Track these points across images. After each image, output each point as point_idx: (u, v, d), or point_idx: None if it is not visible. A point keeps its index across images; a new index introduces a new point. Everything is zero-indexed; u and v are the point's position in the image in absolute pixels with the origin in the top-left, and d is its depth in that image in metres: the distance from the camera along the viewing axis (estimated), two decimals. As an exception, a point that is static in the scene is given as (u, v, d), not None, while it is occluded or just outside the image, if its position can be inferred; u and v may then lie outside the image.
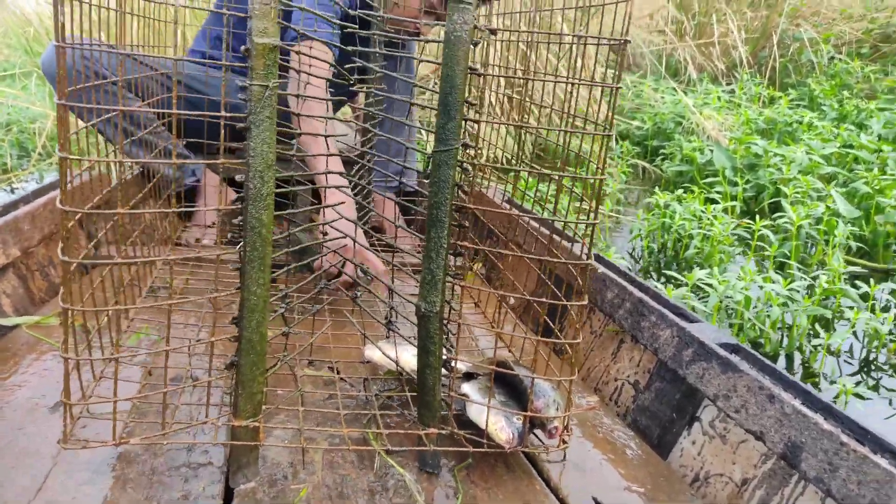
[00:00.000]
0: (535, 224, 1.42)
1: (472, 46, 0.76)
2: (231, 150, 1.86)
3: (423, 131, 3.18)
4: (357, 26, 1.00)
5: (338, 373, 1.07)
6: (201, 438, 0.86)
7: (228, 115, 0.72)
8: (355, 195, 1.24)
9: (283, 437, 0.89)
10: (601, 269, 1.22)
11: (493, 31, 0.76)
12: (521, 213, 1.41)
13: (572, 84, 0.78)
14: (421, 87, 0.94)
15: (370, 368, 1.08)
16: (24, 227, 1.22)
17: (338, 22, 0.87)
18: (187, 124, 1.67)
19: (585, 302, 0.78)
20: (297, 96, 0.87)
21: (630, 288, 1.14)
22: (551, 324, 0.99)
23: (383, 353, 0.97)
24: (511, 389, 0.90)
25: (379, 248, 1.76)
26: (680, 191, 2.57)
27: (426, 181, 1.99)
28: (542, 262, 1.38)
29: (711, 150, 3.05)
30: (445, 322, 0.83)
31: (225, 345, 1.12)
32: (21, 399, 0.92)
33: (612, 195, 2.80)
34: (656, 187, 2.95)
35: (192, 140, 1.40)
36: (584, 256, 0.80)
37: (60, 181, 0.67)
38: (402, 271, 1.21)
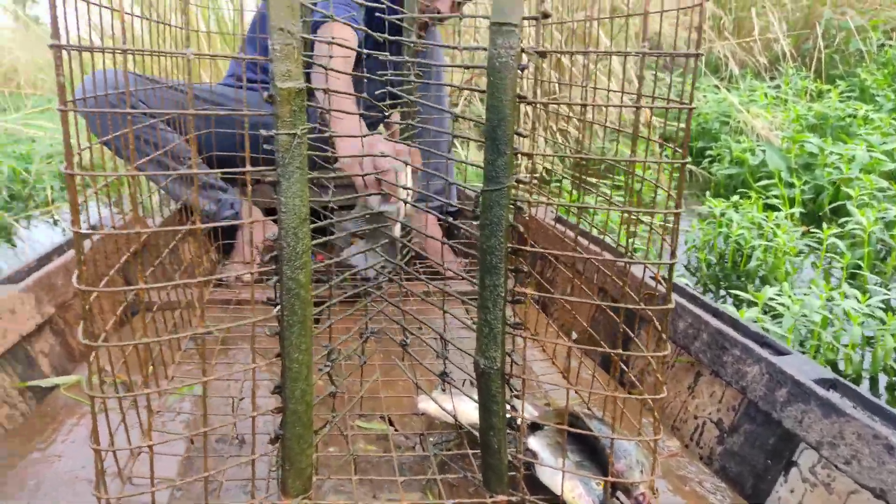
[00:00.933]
0: (594, 246, 1.32)
1: (519, 72, 0.68)
2: (268, 181, 1.82)
3: (459, 147, 3.09)
4: (382, 35, 0.93)
5: (391, 423, 0.99)
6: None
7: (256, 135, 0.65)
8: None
9: None
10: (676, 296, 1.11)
11: (543, 54, 0.67)
12: (569, 237, 1.32)
13: (636, 102, 0.69)
14: (455, 115, 0.85)
15: (425, 419, 1.00)
16: (57, 281, 1.18)
17: (362, 28, 0.80)
18: (220, 154, 1.63)
19: (668, 352, 0.68)
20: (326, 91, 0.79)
21: (706, 317, 1.03)
22: (625, 367, 0.90)
23: (439, 406, 0.89)
24: (586, 444, 0.81)
25: (423, 274, 1.69)
26: (735, 197, 2.41)
27: (469, 203, 1.92)
28: (608, 294, 1.28)
29: (763, 151, 2.88)
30: (508, 377, 0.74)
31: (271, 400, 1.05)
32: (60, 471, 0.87)
33: (661, 203, 2.66)
34: (706, 192, 2.81)
35: (228, 173, 1.34)
36: (654, 293, 0.70)
37: (70, 200, 0.59)
38: (454, 298, 1.13)
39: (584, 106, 0.71)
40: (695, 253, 2.29)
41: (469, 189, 2.02)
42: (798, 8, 4.87)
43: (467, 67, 0.72)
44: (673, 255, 0.65)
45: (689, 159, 0.62)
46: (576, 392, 1.01)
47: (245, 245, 1.71)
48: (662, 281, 0.71)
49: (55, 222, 3.04)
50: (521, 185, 0.71)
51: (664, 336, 0.70)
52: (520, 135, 0.69)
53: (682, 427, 1.06)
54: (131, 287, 0.61)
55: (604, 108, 2.73)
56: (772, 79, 4.58)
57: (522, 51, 0.66)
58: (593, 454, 0.79)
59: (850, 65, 4.58)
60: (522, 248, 0.71)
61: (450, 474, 0.86)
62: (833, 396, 0.82)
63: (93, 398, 0.63)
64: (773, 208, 2.50)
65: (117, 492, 0.79)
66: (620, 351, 0.69)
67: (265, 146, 0.65)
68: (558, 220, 1.54)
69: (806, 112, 3.39)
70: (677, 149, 0.67)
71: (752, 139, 3.12)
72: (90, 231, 0.59)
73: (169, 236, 1.42)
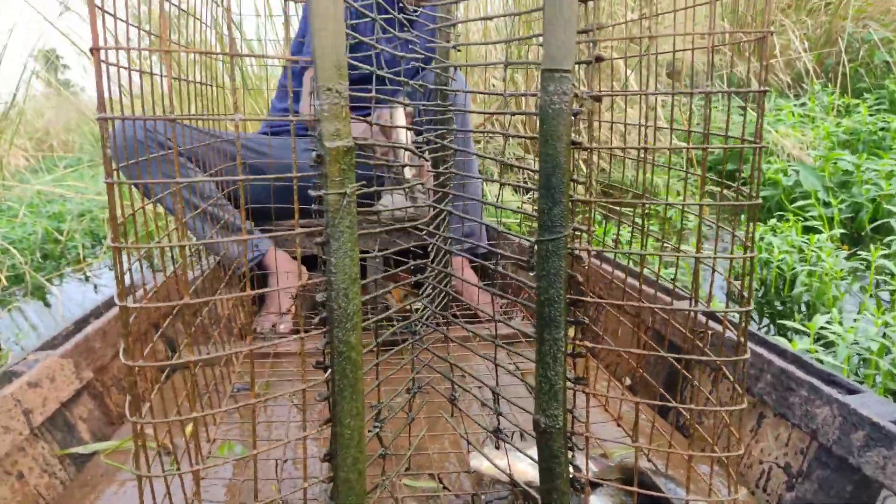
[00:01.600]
0: (647, 288, 1.28)
1: (572, 117, 0.65)
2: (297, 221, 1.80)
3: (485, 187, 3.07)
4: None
5: (440, 481, 0.95)
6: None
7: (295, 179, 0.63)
8: (433, 261, 1.14)
9: None
10: (728, 333, 1.06)
11: (597, 98, 0.65)
12: (617, 278, 1.28)
13: (705, 147, 0.66)
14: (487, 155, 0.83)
15: (475, 477, 0.96)
16: (95, 345, 1.17)
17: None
18: (250, 194, 1.62)
19: (745, 406, 0.64)
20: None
21: (768, 355, 0.98)
22: (686, 414, 0.85)
23: (493, 464, 0.85)
24: (647, 500, 0.76)
25: (462, 318, 1.65)
26: (773, 220, 2.35)
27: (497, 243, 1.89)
28: (660, 334, 1.23)
29: (797, 171, 2.82)
30: (569, 435, 0.70)
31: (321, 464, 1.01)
32: None
33: (694, 229, 2.61)
34: (741, 215, 2.75)
35: (254, 209, 1.33)
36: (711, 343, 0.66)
37: (116, 274, 0.57)
38: (495, 343, 1.09)
39: (646, 149, 0.68)
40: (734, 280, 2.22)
41: (502, 230, 1.99)
42: (818, 24, 4.83)
43: (517, 114, 0.70)
44: (749, 301, 0.61)
45: (759, 201, 0.59)
46: (645, 455, 0.96)
47: (277, 295, 1.69)
48: (732, 327, 0.67)
49: (86, 278, 3.07)
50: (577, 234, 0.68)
51: (740, 389, 0.65)
52: (575, 182, 0.66)
53: (747, 473, 1.00)
54: (181, 361, 0.58)
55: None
56: (796, 96, 4.52)
57: (576, 96, 0.64)
58: (663, 515, 0.74)
59: (876, 77, 4.50)
60: (583, 298, 0.67)
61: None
62: None
63: (140, 478, 0.60)
64: (813, 230, 2.43)
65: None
66: (692, 406, 0.65)
67: (308, 195, 0.63)
68: (598, 256, 1.50)
69: (836, 128, 3.33)
70: (740, 188, 0.64)
71: (783, 159, 3.07)
72: (136, 305, 0.57)
73: (207, 292, 1.40)
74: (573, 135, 0.65)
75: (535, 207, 0.65)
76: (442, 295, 1.15)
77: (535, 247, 0.67)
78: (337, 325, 0.64)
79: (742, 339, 0.64)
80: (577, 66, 0.65)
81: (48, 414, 0.99)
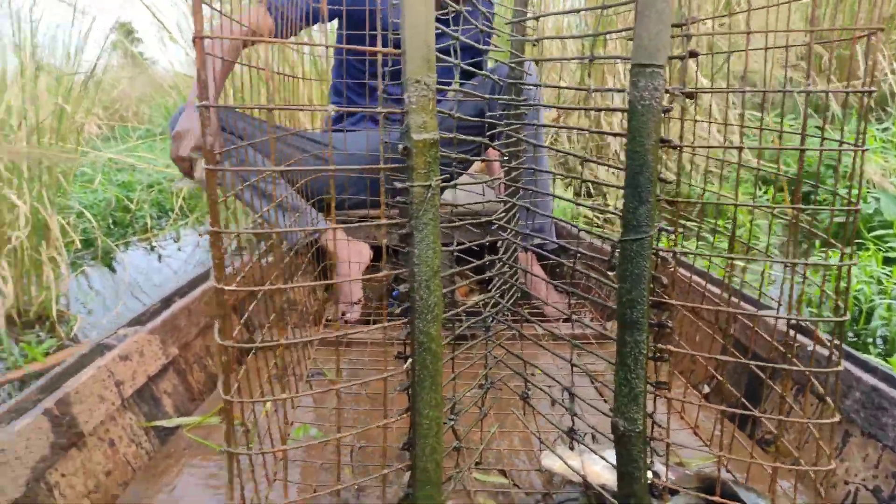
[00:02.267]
0: (725, 293, 1.24)
1: (662, 115, 0.64)
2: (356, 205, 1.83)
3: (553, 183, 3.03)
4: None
5: (510, 479, 0.95)
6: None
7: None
8: (503, 254, 1.14)
9: None
10: (810, 344, 1.02)
11: (690, 95, 0.63)
12: (696, 283, 1.24)
13: (804, 148, 0.63)
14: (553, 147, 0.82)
15: (545, 476, 0.95)
16: (181, 322, 1.22)
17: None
18: (315, 186, 1.66)
19: (838, 419, 0.61)
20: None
21: (857, 372, 0.93)
22: (773, 429, 0.82)
23: (566, 464, 0.84)
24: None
25: (531, 315, 1.64)
26: (850, 249, 2.22)
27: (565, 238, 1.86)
28: (737, 340, 1.20)
29: (877, 199, 2.67)
30: (648, 440, 0.69)
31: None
32: None
33: (769, 249, 2.49)
34: (815, 241, 2.63)
35: (325, 202, 1.36)
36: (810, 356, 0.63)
37: (214, 258, 0.60)
38: (562, 341, 1.08)
39: (741, 149, 0.66)
40: (807, 308, 2.13)
41: (569, 225, 1.97)
42: None
43: (606, 110, 0.69)
44: (846, 311, 0.58)
45: (860, 207, 0.56)
46: (725, 466, 0.93)
47: (346, 284, 1.72)
48: (826, 340, 0.64)
49: (152, 248, 3.19)
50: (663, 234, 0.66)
51: (830, 402, 0.62)
52: (663, 181, 0.65)
53: (831, 493, 0.96)
54: (272, 343, 0.60)
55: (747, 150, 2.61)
56: (878, 120, 4.25)
57: (667, 91, 0.62)
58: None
59: None
60: (666, 301, 0.66)
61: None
62: None
63: (230, 454, 0.62)
64: (894, 262, 2.29)
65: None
66: (781, 417, 0.62)
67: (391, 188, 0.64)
68: (679, 262, 1.46)
69: None
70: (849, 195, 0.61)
71: (863, 185, 2.90)
72: (234, 288, 0.59)
73: (282, 278, 1.44)
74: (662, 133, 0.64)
75: (606, 208, 0.64)
76: (511, 291, 1.15)
77: (619, 247, 0.66)
78: (419, 317, 0.65)
79: (836, 351, 0.61)
80: (669, 61, 0.63)
81: (137, 387, 1.05)
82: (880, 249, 2.32)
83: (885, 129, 3.90)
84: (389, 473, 0.87)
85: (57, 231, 2.38)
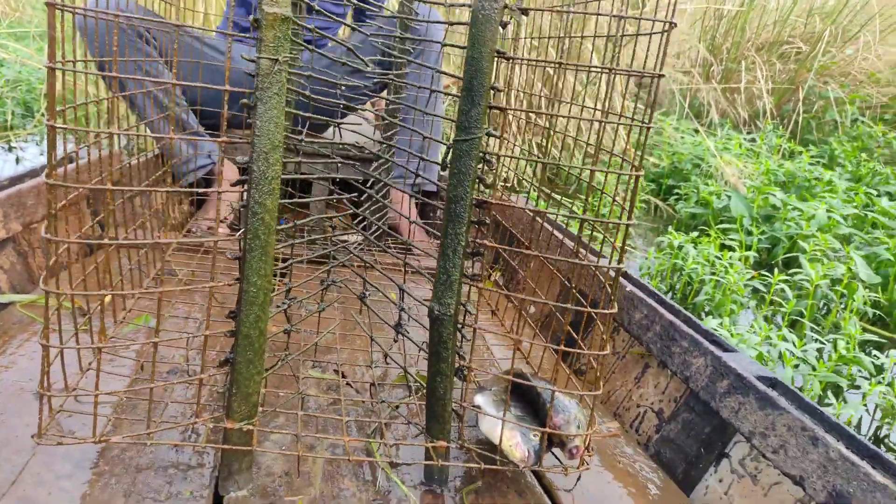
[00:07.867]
0: (559, 234, 1.35)
1: (500, 28, 0.70)
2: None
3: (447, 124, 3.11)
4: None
5: (343, 376, 1.01)
6: (192, 440, 0.80)
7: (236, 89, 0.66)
8: (376, 192, 1.19)
9: (280, 443, 0.83)
10: (629, 286, 1.14)
11: (524, 12, 0.70)
12: (536, 211, 1.35)
13: (601, 120, 0.72)
14: (447, 73, 0.87)
15: (377, 374, 1.02)
16: (27, 201, 1.18)
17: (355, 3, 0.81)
18: (205, 99, 1.62)
19: (616, 310, 0.71)
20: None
21: (660, 309, 1.06)
22: (574, 334, 0.92)
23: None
24: (528, 404, 0.83)
25: (395, 249, 1.70)
26: (695, 233, 2.47)
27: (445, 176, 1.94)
28: (566, 270, 1.32)
29: (729, 197, 2.96)
30: (460, 327, 0.76)
31: (226, 341, 1.06)
32: (6, 382, 0.87)
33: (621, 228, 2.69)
34: (669, 227, 2.88)
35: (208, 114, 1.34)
36: (612, 262, 0.73)
37: (48, 153, 0.61)
38: (419, 274, 1.14)
39: (552, 116, 0.73)
40: (648, 280, 2.34)
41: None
42: (785, 70, 4.99)
43: (451, 24, 0.74)
44: (620, 261, 0.68)
45: (643, 172, 0.65)
46: (517, 347, 1.04)
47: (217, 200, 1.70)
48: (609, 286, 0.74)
49: (10, 148, 2.96)
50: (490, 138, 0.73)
51: (613, 298, 0.72)
52: (495, 89, 0.71)
53: (624, 414, 1.09)
54: (96, 241, 0.62)
55: (575, 122, 2.78)
56: (748, 133, 4.69)
57: (506, 6, 0.69)
58: (535, 412, 0.81)
59: (824, 133, 4.72)
60: (487, 200, 0.73)
61: (396, 421, 0.88)
62: (772, 392, 0.86)
63: (47, 293, 0.63)
64: (730, 249, 2.56)
65: (61, 403, 0.79)
66: (568, 306, 0.71)
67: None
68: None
69: (776, 167, 3.48)
70: (631, 163, 0.70)
71: (720, 184, 3.21)
72: (64, 184, 0.60)
73: (141, 179, 1.41)
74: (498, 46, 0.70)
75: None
76: (375, 227, 1.20)
77: (451, 148, 0.72)
78: (255, 187, 0.68)
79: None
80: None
81: None
82: (721, 239, 2.58)
83: (752, 140, 4.30)
84: (211, 354, 0.88)
85: None
